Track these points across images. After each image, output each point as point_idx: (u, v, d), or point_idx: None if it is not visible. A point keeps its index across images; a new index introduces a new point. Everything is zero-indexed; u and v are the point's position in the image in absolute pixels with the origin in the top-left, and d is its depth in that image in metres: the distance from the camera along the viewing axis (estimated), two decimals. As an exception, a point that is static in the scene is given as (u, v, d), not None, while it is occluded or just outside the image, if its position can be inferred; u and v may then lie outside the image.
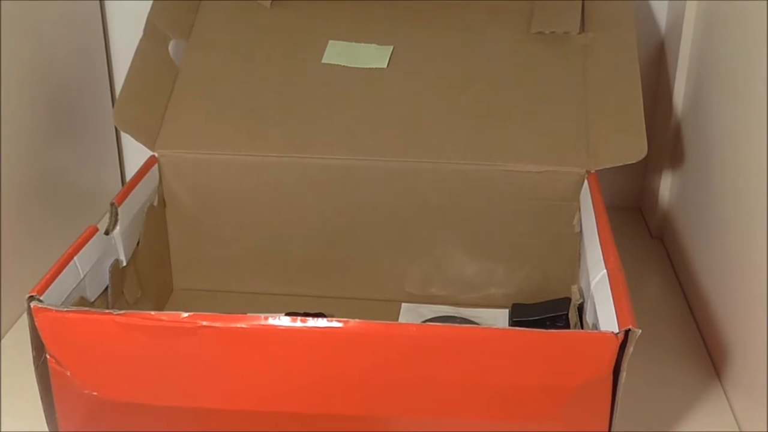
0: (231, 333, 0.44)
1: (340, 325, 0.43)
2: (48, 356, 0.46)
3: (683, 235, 0.70)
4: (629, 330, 0.43)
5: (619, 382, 0.44)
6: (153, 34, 0.68)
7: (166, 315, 0.44)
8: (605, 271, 0.49)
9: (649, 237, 0.78)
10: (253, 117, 0.65)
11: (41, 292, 0.47)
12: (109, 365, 0.46)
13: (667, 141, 0.73)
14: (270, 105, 0.65)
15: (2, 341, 0.62)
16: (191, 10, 0.71)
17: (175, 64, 0.68)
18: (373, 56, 0.67)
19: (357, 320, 0.43)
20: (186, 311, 0.44)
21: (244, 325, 0.44)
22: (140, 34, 0.67)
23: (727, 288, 0.58)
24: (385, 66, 0.67)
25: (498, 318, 0.63)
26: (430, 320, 0.62)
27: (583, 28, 0.67)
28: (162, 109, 0.65)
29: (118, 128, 0.65)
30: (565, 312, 0.58)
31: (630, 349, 0.43)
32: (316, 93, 0.66)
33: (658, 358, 0.60)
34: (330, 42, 0.68)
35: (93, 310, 0.46)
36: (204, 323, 0.44)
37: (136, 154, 0.79)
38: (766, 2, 0.52)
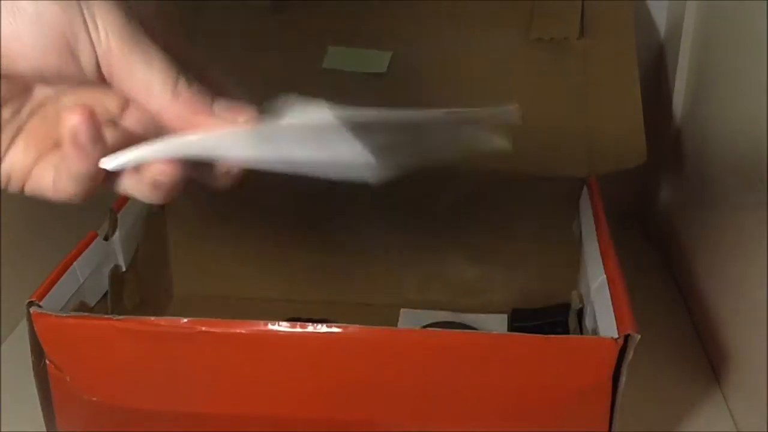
0: (230, 338, 0.44)
1: (339, 330, 0.43)
2: (47, 361, 0.46)
3: (683, 240, 0.70)
4: (629, 335, 0.43)
5: (618, 387, 0.44)
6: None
7: (165, 320, 0.44)
8: (605, 276, 0.49)
9: (649, 242, 0.78)
10: (252, 121, 0.65)
11: (41, 297, 0.47)
12: (109, 371, 0.46)
13: (666, 145, 0.73)
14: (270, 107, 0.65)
15: (2, 346, 0.62)
16: (191, 10, 0.71)
17: (175, 67, 0.68)
18: (372, 61, 0.67)
19: (356, 326, 0.43)
20: (185, 316, 0.44)
21: (243, 331, 0.44)
22: (140, 36, 0.67)
23: (726, 292, 0.58)
24: (384, 70, 0.67)
25: (497, 323, 0.63)
26: (430, 326, 0.62)
27: (582, 31, 0.67)
28: (162, 113, 0.65)
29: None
30: (565, 317, 0.58)
31: (629, 354, 0.43)
32: (315, 94, 0.66)
33: (658, 362, 0.60)
34: (329, 48, 0.68)
35: (92, 315, 0.46)
36: (203, 329, 0.44)
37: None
38: (766, 2, 0.52)
